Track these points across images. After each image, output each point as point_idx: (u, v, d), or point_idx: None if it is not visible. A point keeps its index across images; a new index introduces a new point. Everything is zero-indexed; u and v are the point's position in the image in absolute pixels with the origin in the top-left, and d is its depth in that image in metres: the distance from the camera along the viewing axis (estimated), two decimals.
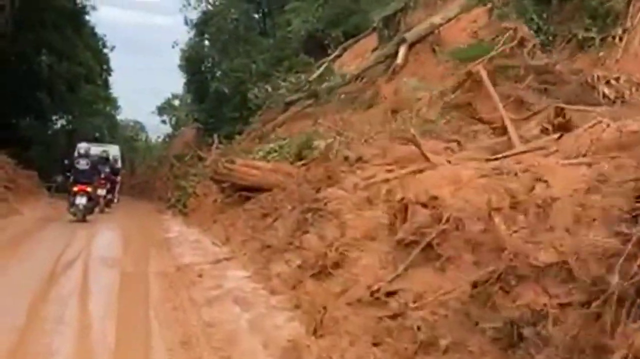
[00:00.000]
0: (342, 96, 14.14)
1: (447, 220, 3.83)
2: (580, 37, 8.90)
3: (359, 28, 18.08)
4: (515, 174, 3.84)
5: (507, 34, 7.15)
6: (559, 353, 2.46)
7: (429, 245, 3.88)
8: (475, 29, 12.43)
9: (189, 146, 22.65)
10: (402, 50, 13.14)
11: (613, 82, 6.96)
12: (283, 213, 7.50)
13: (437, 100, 7.32)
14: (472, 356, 2.89)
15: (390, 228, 4.43)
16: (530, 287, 2.71)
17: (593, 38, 8.70)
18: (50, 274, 6.39)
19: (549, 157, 4.19)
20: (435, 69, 12.12)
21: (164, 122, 42.59)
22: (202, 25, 27.07)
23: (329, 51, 17.69)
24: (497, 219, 3.25)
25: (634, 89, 6.96)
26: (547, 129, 5.21)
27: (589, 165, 3.86)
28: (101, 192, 13.77)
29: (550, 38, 9.31)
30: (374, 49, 15.61)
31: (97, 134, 29.66)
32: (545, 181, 3.39)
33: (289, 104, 15.82)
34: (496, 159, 4.53)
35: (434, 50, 12.90)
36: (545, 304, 2.55)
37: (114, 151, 19.39)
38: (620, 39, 8.41)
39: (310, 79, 15.73)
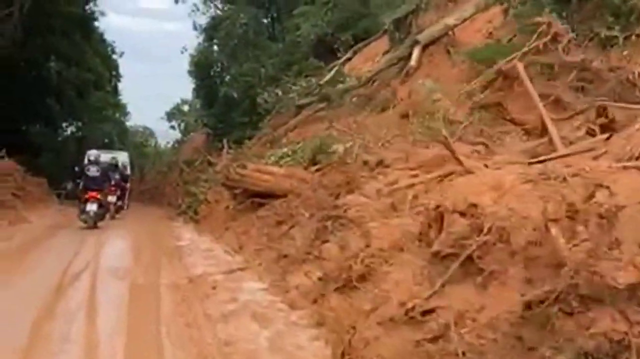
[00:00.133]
0: (354, 99, 13.87)
1: (489, 230, 3.46)
2: (602, 35, 8.57)
3: (369, 31, 17.91)
4: (565, 179, 3.47)
5: (541, 29, 6.74)
6: None
7: (469, 258, 3.51)
8: (490, 29, 12.16)
9: (199, 152, 22.41)
10: (416, 52, 12.92)
11: None
12: (299, 221, 7.16)
13: (464, 100, 6.93)
14: None
15: (422, 238, 4.07)
16: (605, 311, 2.33)
17: (616, 36, 8.36)
18: (57, 286, 6.09)
19: (598, 160, 3.82)
20: (450, 70, 11.85)
21: (173, 127, 42.60)
22: (211, 30, 26.92)
23: (339, 55, 17.45)
24: (554, 231, 2.88)
25: None
26: (593, 129, 4.82)
27: None
28: (111, 199, 13.73)
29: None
30: (385, 52, 15.40)
31: (106, 141, 29.63)
32: (607, 187, 3.02)
33: (300, 108, 15.57)
34: (539, 162, 4.16)
35: (448, 52, 12.64)
36: (626, 333, 2.18)
37: (123, 157, 19.37)
38: None
39: (321, 82, 15.50)
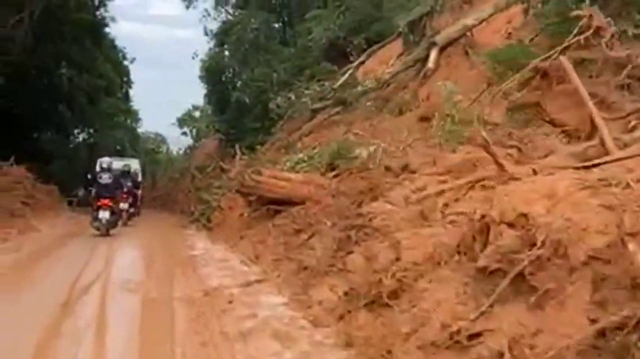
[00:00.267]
0: (369, 102, 13.54)
1: (543, 244, 3.07)
2: (630, 33, 8.16)
3: (382, 34, 17.62)
4: (628, 185, 3.09)
5: (582, 22, 6.34)
6: None
7: (520, 275, 3.13)
8: (510, 29, 11.78)
9: (211, 158, 22.21)
10: (433, 54, 12.63)
11: None
12: (319, 229, 6.80)
13: (500, 100, 6.54)
14: None
15: (462, 251, 3.68)
16: None
17: None
18: (64, 301, 5.75)
19: None
20: (468, 72, 11.51)
21: (184, 134, 42.46)
22: (222, 36, 26.75)
23: (351, 58, 17.17)
24: (631, 246, 2.50)
25: None
26: None
27: None
28: (124, 206, 13.58)
29: None
30: (400, 55, 15.12)
31: (118, 147, 29.54)
32: None
33: (315, 112, 15.27)
34: (594, 166, 3.77)
35: (466, 53, 12.30)
36: None
37: (134, 164, 19.20)
38: None
39: (335, 86, 15.22)
